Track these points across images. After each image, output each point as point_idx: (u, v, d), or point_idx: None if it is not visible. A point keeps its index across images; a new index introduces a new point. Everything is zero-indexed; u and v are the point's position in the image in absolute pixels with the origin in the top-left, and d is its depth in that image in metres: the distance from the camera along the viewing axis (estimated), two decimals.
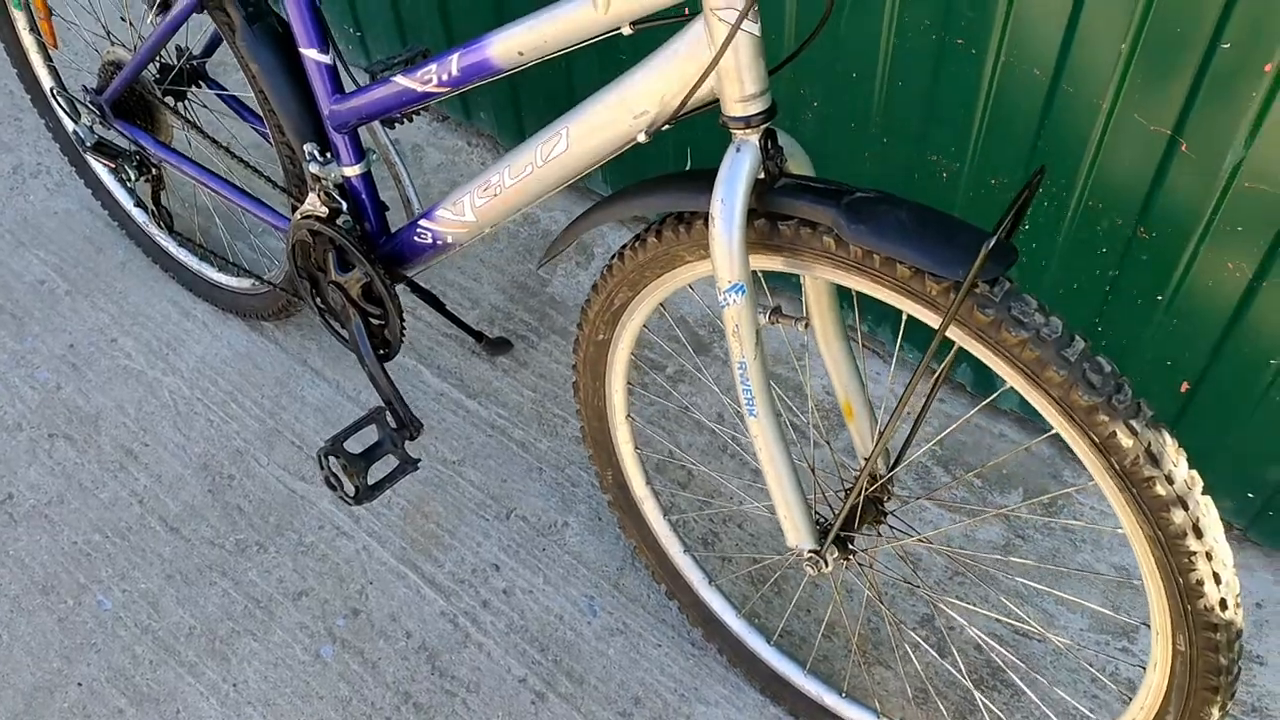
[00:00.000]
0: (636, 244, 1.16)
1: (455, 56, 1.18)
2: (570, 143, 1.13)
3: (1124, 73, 1.21)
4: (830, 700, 1.43)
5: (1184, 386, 1.45)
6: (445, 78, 1.21)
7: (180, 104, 1.68)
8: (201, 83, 1.69)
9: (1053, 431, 0.95)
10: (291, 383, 1.89)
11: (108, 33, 1.73)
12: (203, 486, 1.75)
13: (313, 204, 1.46)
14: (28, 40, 1.88)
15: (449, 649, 1.56)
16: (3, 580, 1.65)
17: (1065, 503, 1.67)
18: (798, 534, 1.18)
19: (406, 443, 1.52)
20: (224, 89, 1.71)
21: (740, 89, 0.96)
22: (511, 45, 1.11)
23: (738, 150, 0.98)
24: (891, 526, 1.27)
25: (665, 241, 1.12)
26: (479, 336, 1.85)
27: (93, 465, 1.78)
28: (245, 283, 1.87)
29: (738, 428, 1.78)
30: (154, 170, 1.75)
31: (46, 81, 1.93)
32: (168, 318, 1.98)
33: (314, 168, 1.43)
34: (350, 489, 1.48)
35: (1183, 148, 1.22)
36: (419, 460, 1.52)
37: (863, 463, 1.25)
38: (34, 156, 2.26)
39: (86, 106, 1.68)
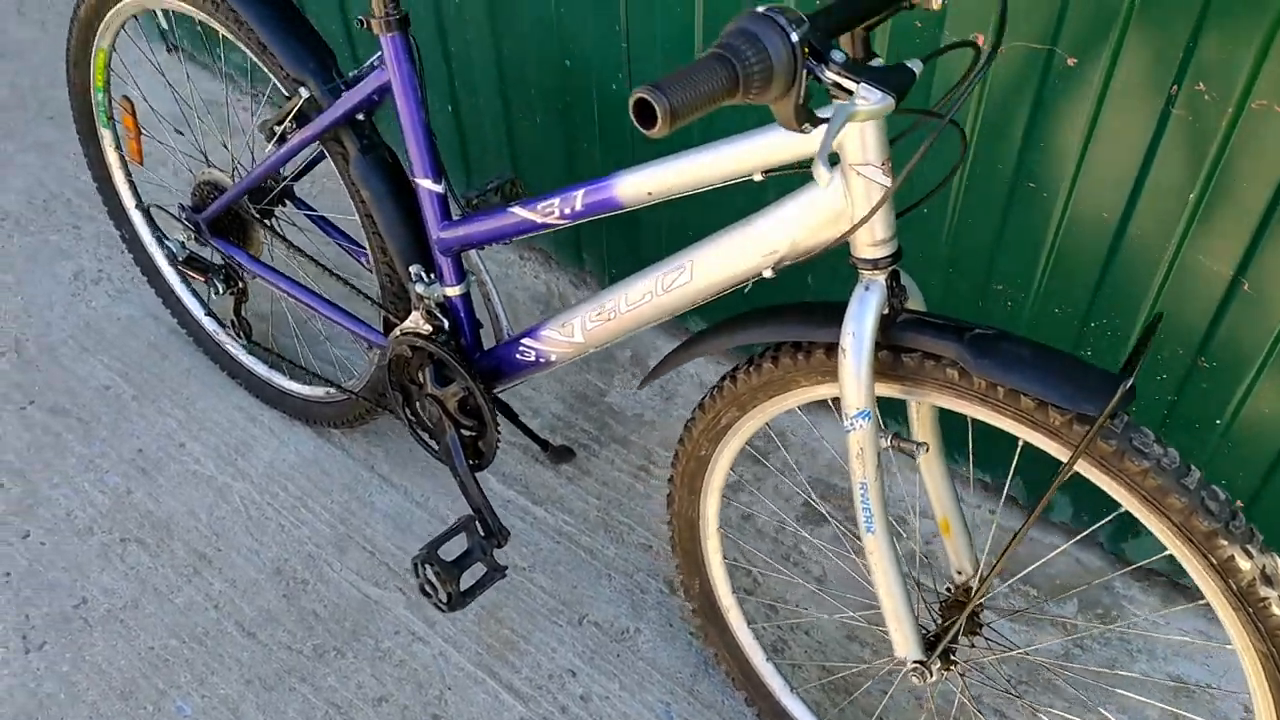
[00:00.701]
0: (750, 368, 1.24)
1: (580, 193, 1.27)
2: (695, 275, 1.21)
3: (1189, 220, 1.33)
4: None
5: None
6: (567, 211, 1.29)
7: (270, 222, 1.75)
8: (289, 202, 1.78)
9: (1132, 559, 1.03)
10: (360, 488, 1.93)
11: (205, 156, 1.81)
12: (277, 591, 1.78)
13: (415, 321, 1.53)
14: (112, 157, 1.96)
15: None
16: (80, 686, 1.66)
17: (1118, 612, 1.74)
18: (906, 645, 1.24)
19: (495, 551, 1.58)
20: (312, 209, 1.80)
21: (873, 235, 1.05)
22: (642, 186, 1.20)
23: (866, 289, 1.07)
24: (986, 638, 1.33)
25: (782, 367, 1.20)
26: (544, 445, 1.91)
27: (167, 570, 1.81)
28: (319, 391, 1.92)
29: (799, 536, 1.85)
30: (241, 284, 1.83)
31: (128, 197, 2.01)
32: (235, 424, 2.03)
33: (420, 288, 1.51)
34: (444, 596, 1.53)
35: (1244, 287, 1.33)
36: (506, 568, 1.57)
37: (959, 576, 1.32)
38: (94, 263, 2.33)
39: (184, 223, 1.75)
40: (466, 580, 1.54)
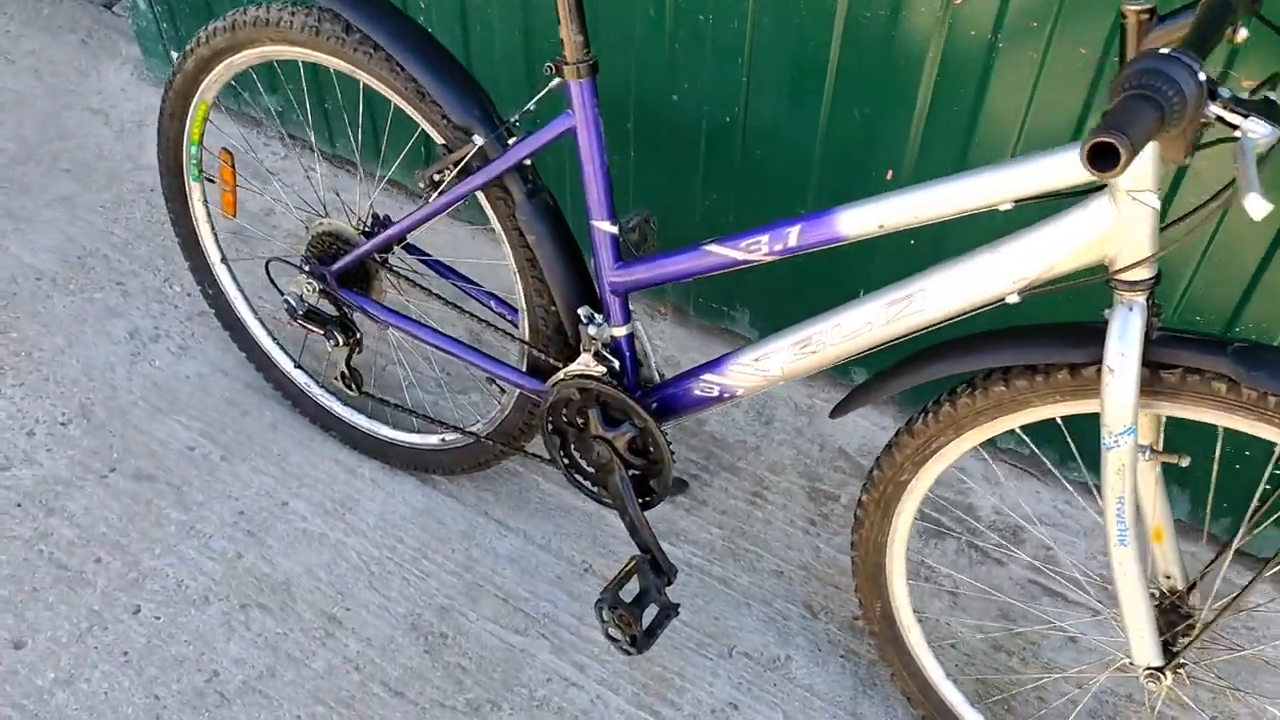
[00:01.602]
0: (975, 391, 1.27)
1: (796, 229, 1.29)
2: (928, 302, 1.23)
3: None
4: None
5: None
6: (778, 248, 1.31)
7: (399, 269, 1.72)
8: (403, 249, 1.74)
9: None
10: (478, 535, 1.90)
11: (324, 206, 1.77)
12: (417, 647, 1.74)
13: (585, 363, 1.52)
14: (199, 211, 1.90)
15: None
16: None
17: None
18: (1146, 652, 1.28)
19: (667, 588, 1.57)
20: (426, 254, 1.77)
21: (1138, 253, 1.09)
22: (871, 219, 1.23)
23: (1130, 309, 1.11)
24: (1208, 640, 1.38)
25: (1014, 389, 1.24)
26: None
27: (297, 634, 1.75)
28: (432, 438, 1.89)
29: (910, 551, 1.89)
30: (358, 334, 1.78)
31: (213, 251, 1.95)
32: (335, 477, 1.97)
33: (591, 329, 1.50)
34: (629, 638, 1.52)
35: None
36: (679, 605, 1.56)
37: (1166, 581, 1.37)
38: (148, 321, 2.23)
39: (309, 277, 1.70)
40: (646, 620, 1.53)
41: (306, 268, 1.71)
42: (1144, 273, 1.10)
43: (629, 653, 1.51)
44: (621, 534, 1.91)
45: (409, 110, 1.51)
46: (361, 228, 1.69)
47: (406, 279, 1.68)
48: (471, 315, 1.65)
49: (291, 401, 2.02)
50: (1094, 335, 1.17)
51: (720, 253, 1.36)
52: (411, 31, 1.48)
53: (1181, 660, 1.32)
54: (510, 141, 1.45)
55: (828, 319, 1.33)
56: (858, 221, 1.24)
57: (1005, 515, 1.94)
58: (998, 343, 1.24)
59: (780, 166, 1.84)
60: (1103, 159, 0.78)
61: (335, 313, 1.77)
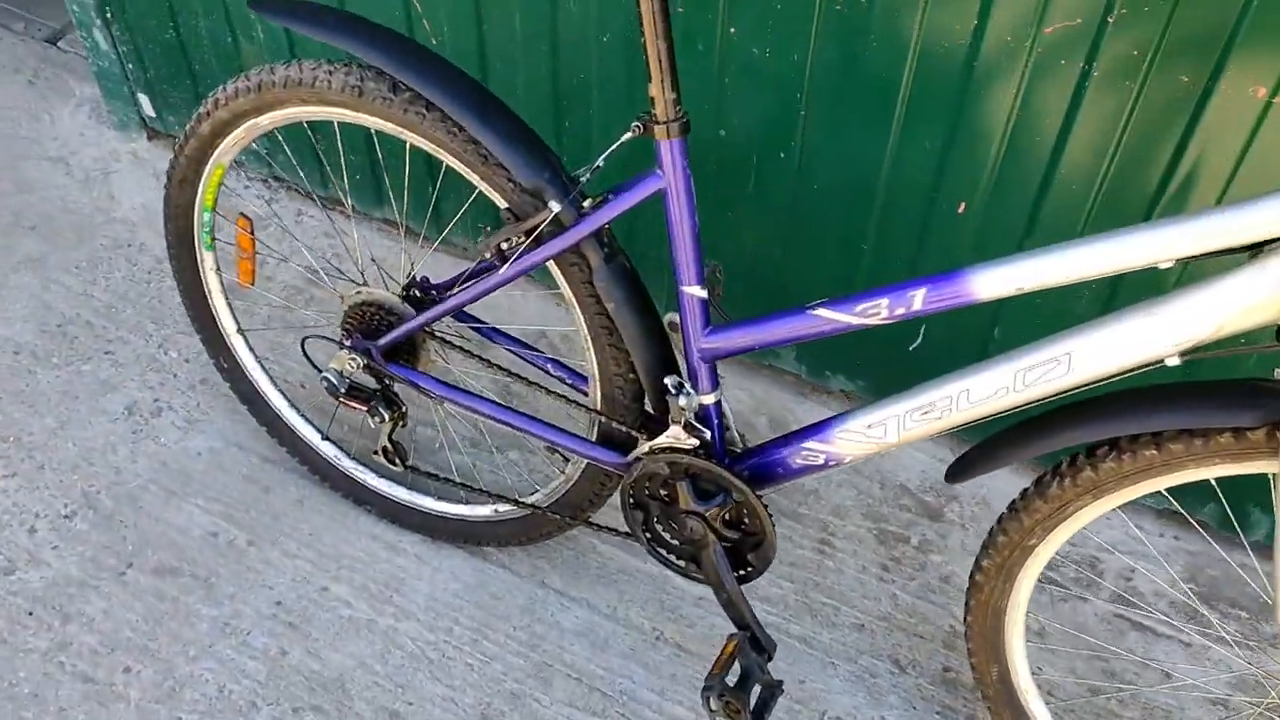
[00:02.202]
0: (1120, 454, 1.20)
1: (922, 291, 1.19)
2: (1074, 366, 1.15)
3: None
4: None
5: None
6: (899, 312, 1.21)
7: (451, 340, 1.59)
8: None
9: None
10: (539, 609, 1.78)
11: (361, 274, 1.63)
12: None
13: (675, 436, 1.42)
14: (212, 281, 1.74)
15: None
16: None
17: None
18: None
19: (769, 664, 1.48)
20: (482, 321, 1.64)
21: None
22: (1010, 280, 1.14)
23: None
24: None
25: (1168, 452, 1.16)
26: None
27: None
28: (483, 509, 1.76)
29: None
30: (403, 408, 1.65)
31: (228, 322, 1.79)
32: (375, 556, 1.84)
33: (681, 400, 1.39)
34: (721, 712, 1.42)
35: None
36: (782, 682, 1.47)
37: None
38: (146, 394, 2.06)
39: (351, 352, 1.56)
40: (752, 702, 1.44)
41: (349, 343, 1.57)
42: None
43: None
44: (690, 596, 1.81)
45: (466, 173, 1.38)
46: (404, 295, 1.55)
47: (460, 349, 1.55)
48: (537, 386, 1.53)
49: (320, 476, 1.88)
50: (1261, 395, 1.10)
51: (831, 317, 1.26)
52: (470, 89, 1.35)
53: None
54: (585, 205, 1.33)
55: (954, 382, 1.24)
56: (993, 283, 1.15)
57: (1078, 546, 1.88)
58: (1149, 405, 1.16)
59: (839, 202, 1.75)
60: None
61: (377, 386, 1.63)
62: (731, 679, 1.44)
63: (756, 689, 1.45)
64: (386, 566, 1.82)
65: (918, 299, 1.20)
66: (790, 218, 1.81)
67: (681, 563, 1.54)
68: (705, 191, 1.86)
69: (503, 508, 1.74)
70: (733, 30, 1.62)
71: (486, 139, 1.33)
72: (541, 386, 1.54)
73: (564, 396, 1.53)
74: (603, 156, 1.33)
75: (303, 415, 1.86)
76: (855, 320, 1.25)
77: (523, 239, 1.35)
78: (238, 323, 1.80)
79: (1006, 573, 1.37)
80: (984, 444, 1.32)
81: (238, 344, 1.81)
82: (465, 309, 1.52)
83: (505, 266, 1.37)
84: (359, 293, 1.57)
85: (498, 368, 1.54)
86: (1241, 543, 1.75)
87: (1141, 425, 1.16)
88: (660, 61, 1.19)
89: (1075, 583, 1.83)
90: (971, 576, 1.42)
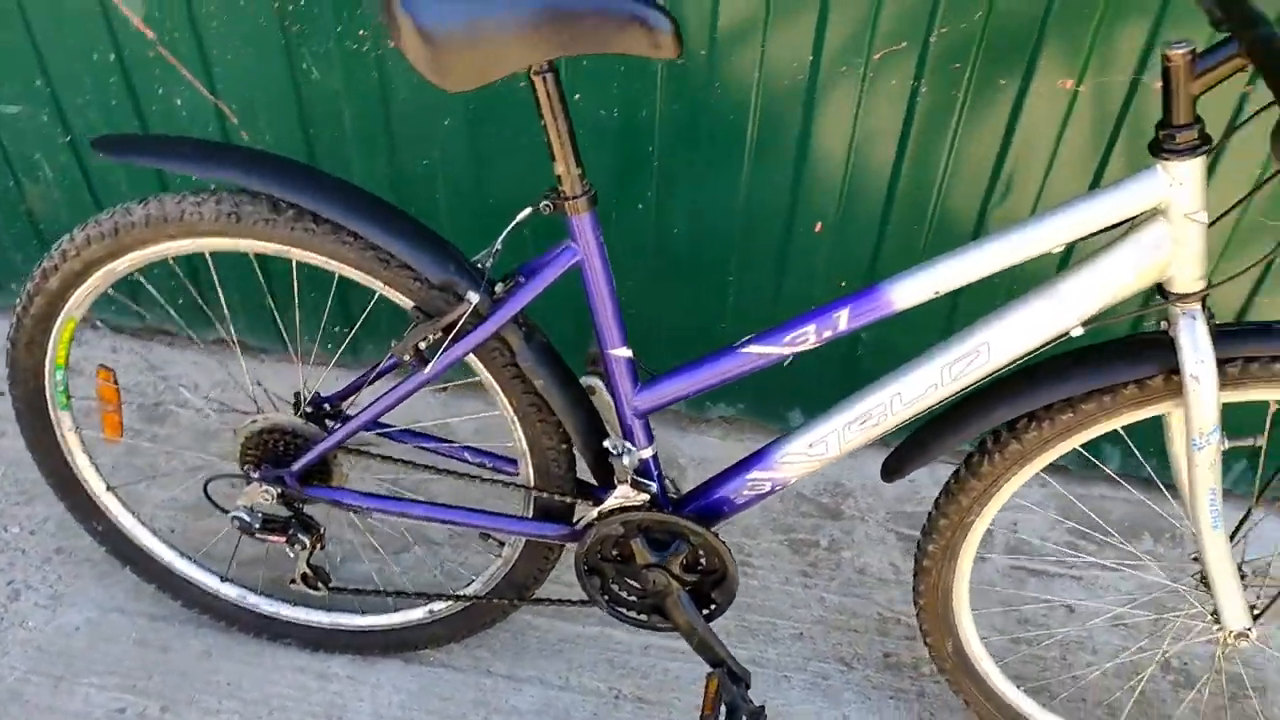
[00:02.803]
0: (1039, 422, 1.32)
1: (845, 311, 1.27)
2: (993, 352, 1.26)
3: None
4: None
5: None
6: (826, 335, 1.29)
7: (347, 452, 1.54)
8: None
9: None
10: (491, 699, 1.74)
11: (255, 404, 1.54)
12: None
13: (624, 495, 1.44)
14: (72, 441, 1.61)
15: None
16: None
17: None
18: (1238, 617, 1.39)
19: (747, 690, 1.52)
20: (389, 425, 1.60)
21: (1197, 269, 1.17)
22: (926, 286, 1.23)
23: (1193, 319, 1.19)
24: None
25: (1083, 413, 1.29)
26: None
27: None
28: (416, 613, 1.71)
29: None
30: (320, 529, 1.58)
31: (96, 482, 1.65)
32: (306, 689, 1.74)
33: (625, 459, 1.41)
34: None
35: None
36: (764, 706, 1.52)
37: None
38: None
39: (262, 484, 1.48)
40: None
41: (257, 474, 1.49)
42: (1201, 283, 1.18)
43: None
44: (636, 647, 1.82)
45: (365, 280, 1.35)
46: (306, 416, 1.49)
47: (377, 456, 1.51)
48: (466, 476, 1.51)
49: (226, 620, 1.76)
50: (1153, 347, 1.24)
51: (762, 352, 1.32)
52: (358, 196, 1.32)
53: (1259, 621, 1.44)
54: (497, 291, 1.33)
55: (885, 388, 1.32)
56: (911, 292, 1.24)
57: None
58: (1061, 373, 1.29)
59: (701, 239, 1.82)
60: None
61: (290, 514, 1.55)
62: (721, 716, 1.47)
63: (741, 714, 1.49)
64: (321, 696, 1.73)
65: (842, 319, 1.28)
66: (658, 261, 1.86)
67: (644, 617, 1.55)
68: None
69: (438, 606, 1.69)
70: (578, 97, 1.66)
71: (387, 242, 1.30)
72: (472, 476, 1.51)
73: (498, 481, 1.51)
74: (500, 239, 1.33)
75: (195, 562, 1.74)
76: (785, 350, 1.32)
77: (441, 336, 1.33)
78: (106, 481, 1.66)
79: (950, 552, 1.47)
80: (912, 440, 1.41)
81: (110, 503, 1.67)
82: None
83: (429, 366, 1.34)
84: (255, 421, 1.49)
85: (425, 467, 1.51)
86: (1105, 475, 1.95)
87: (1059, 394, 1.29)
88: (563, 141, 1.22)
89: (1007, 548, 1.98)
90: (918, 562, 1.51)
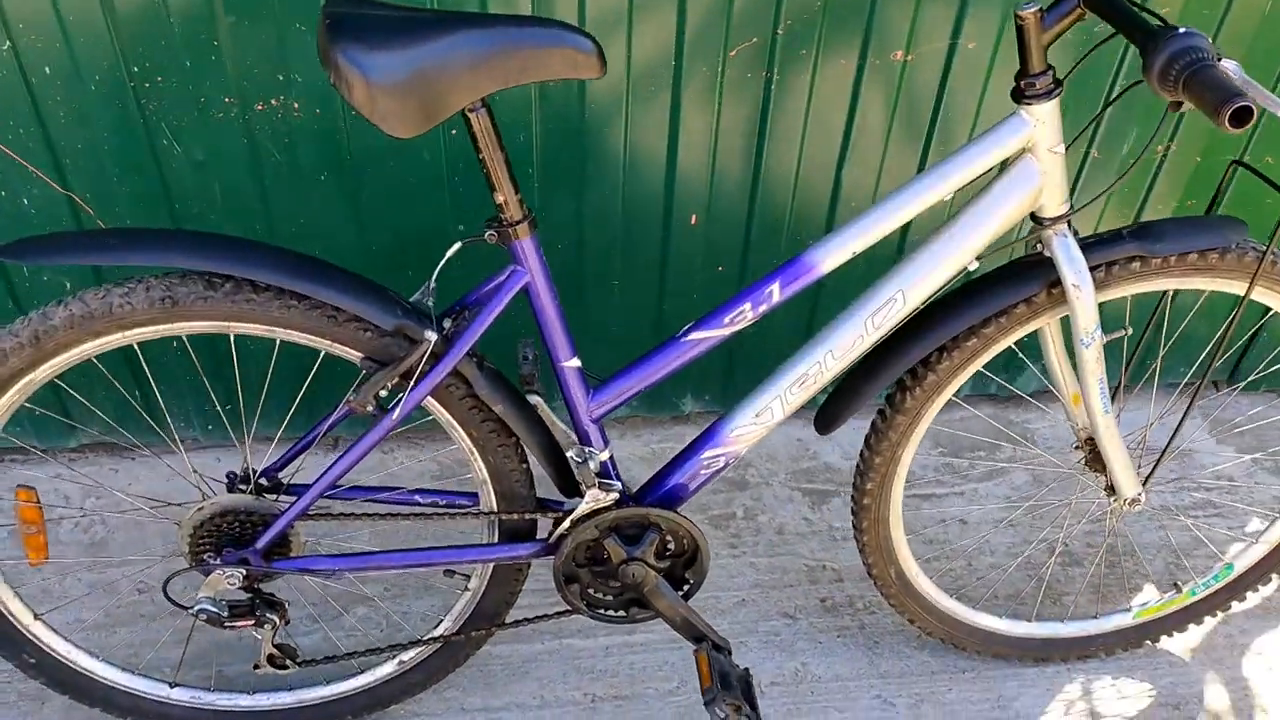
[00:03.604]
0: (948, 353, 1.48)
1: (776, 284, 1.39)
2: (908, 298, 1.41)
3: None
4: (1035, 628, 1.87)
5: None
6: (762, 309, 1.41)
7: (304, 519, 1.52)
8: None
9: None
10: None
11: (202, 492, 1.49)
12: None
13: (595, 499, 1.50)
14: None
15: None
16: None
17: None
18: (1131, 484, 1.61)
19: (731, 658, 1.62)
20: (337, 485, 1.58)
21: (1062, 195, 1.37)
22: (846, 249, 1.37)
23: (1065, 238, 1.39)
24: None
25: (984, 338, 1.47)
26: None
27: None
28: (386, 668, 1.69)
29: (815, 524, 2.10)
30: (284, 604, 1.54)
31: (23, 613, 1.54)
32: None
33: (591, 464, 1.48)
34: (745, 714, 1.53)
35: None
36: (749, 668, 1.62)
37: (1083, 433, 1.70)
38: None
39: (224, 569, 1.44)
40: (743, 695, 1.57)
41: (219, 560, 1.44)
42: (1065, 206, 1.38)
43: None
44: (598, 650, 1.88)
45: (309, 342, 1.35)
46: (255, 492, 1.47)
47: (336, 516, 1.50)
48: (430, 516, 1.52)
49: None
50: (1033, 269, 1.44)
51: (706, 336, 1.42)
52: (293, 257, 1.32)
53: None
54: (447, 327, 1.37)
55: (816, 349, 1.45)
56: (833, 256, 1.38)
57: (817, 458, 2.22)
58: (962, 306, 1.46)
59: (585, 244, 1.90)
60: (1239, 119, 1.02)
61: (250, 594, 1.51)
62: (718, 684, 1.56)
63: (737, 682, 1.58)
64: None
65: (775, 292, 1.40)
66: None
67: (624, 612, 1.62)
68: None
69: (407, 655, 1.69)
70: (454, 133, 1.70)
71: (332, 298, 1.31)
72: (436, 515, 1.53)
73: (464, 514, 1.54)
74: (434, 277, 1.37)
75: (141, 675, 1.65)
76: (727, 331, 1.42)
77: (399, 381, 1.35)
78: (33, 610, 1.56)
79: (884, 486, 1.63)
80: (838, 393, 1.55)
81: (40, 631, 1.56)
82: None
83: (396, 412, 1.36)
84: (201, 509, 1.45)
85: (392, 516, 1.51)
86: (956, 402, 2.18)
87: (964, 324, 1.46)
88: (501, 171, 1.27)
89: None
90: (855, 502, 1.65)
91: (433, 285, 1.38)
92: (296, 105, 1.62)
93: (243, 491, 1.47)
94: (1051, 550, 2.07)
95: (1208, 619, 1.88)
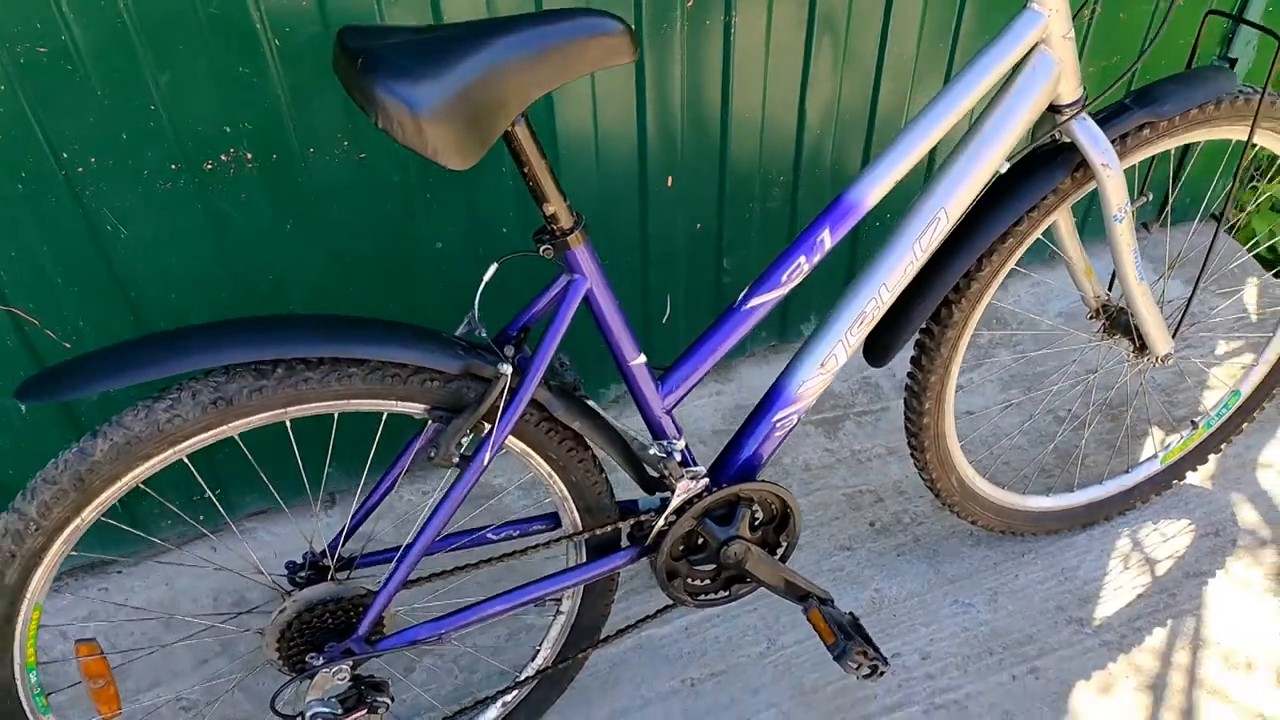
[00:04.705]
0: (991, 257, 1.49)
1: (826, 231, 1.36)
2: (950, 213, 1.40)
3: None
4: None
5: None
6: (817, 258, 1.38)
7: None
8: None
9: None
10: None
11: (283, 589, 1.36)
12: None
13: (685, 489, 1.45)
14: None
15: None
16: None
17: None
18: (1164, 342, 1.66)
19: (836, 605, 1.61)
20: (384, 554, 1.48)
21: (1076, 79, 1.38)
22: (887, 181, 1.35)
23: (1085, 121, 1.40)
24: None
25: (1018, 234, 1.48)
26: None
27: None
28: (489, 714, 1.62)
29: (836, 453, 2.11)
30: (387, 684, 1.44)
31: None
32: None
33: (677, 456, 1.43)
34: (873, 660, 1.53)
35: None
36: (852, 612, 1.62)
37: (1095, 300, 1.75)
38: None
39: (328, 667, 1.33)
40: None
41: (320, 660, 1.33)
42: (1080, 90, 1.39)
43: (885, 667, 1.53)
44: (678, 635, 1.84)
45: (371, 406, 1.24)
46: (337, 577, 1.36)
47: (427, 578, 1.40)
48: (517, 554, 1.44)
49: None
50: (1054, 158, 1.45)
51: (766, 299, 1.39)
52: (336, 322, 1.20)
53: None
54: (511, 354, 1.28)
55: (870, 284, 1.43)
56: (875, 189, 1.35)
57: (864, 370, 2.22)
58: (996, 211, 1.46)
59: None
60: None
61: (352, 683, 1.41)
62: (836, 637, 1.55)
63: (852, 630, 1.58)
64: None
65: (826, 238, 1.37)
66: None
67: (726, 593, 1.58)
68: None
69: (509, 697, 1.61)
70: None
71: (394, 355, 1.20)
72: (529, 549, 1.45)
73: (550, 542, 1.46)
74: (476, 305, 1.28)
75: None
76: (785, 290, 1.39)
77: (482, 423, 1.27)
78: None
79: (939, 402, 1.64)
80: (888, 323, 1.53)
81: None
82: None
83: (484, 456, 1.27)
84: (284, 609, 1.34)
85: (484, 563, 1.43)
86: None
87: (1001, 227, 1.46)
88: (548, 181, 1.19)
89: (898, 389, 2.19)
90: (913, 423, 1.65)
91: (476, 314, 1.29)
92: (250, 155, 1.47)
93: (316, 580, 1.36)
94: (1077, 420, 2.14)
95: (1223, 447, 1.98)
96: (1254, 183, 2.59)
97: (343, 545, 1.40)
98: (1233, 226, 2.56)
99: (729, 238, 1.99)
